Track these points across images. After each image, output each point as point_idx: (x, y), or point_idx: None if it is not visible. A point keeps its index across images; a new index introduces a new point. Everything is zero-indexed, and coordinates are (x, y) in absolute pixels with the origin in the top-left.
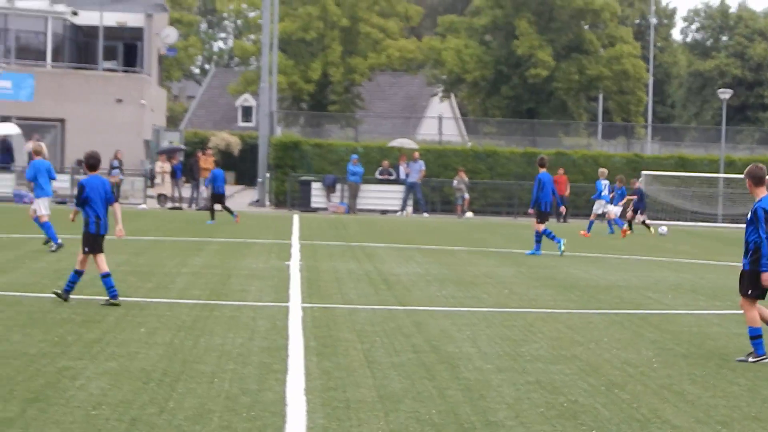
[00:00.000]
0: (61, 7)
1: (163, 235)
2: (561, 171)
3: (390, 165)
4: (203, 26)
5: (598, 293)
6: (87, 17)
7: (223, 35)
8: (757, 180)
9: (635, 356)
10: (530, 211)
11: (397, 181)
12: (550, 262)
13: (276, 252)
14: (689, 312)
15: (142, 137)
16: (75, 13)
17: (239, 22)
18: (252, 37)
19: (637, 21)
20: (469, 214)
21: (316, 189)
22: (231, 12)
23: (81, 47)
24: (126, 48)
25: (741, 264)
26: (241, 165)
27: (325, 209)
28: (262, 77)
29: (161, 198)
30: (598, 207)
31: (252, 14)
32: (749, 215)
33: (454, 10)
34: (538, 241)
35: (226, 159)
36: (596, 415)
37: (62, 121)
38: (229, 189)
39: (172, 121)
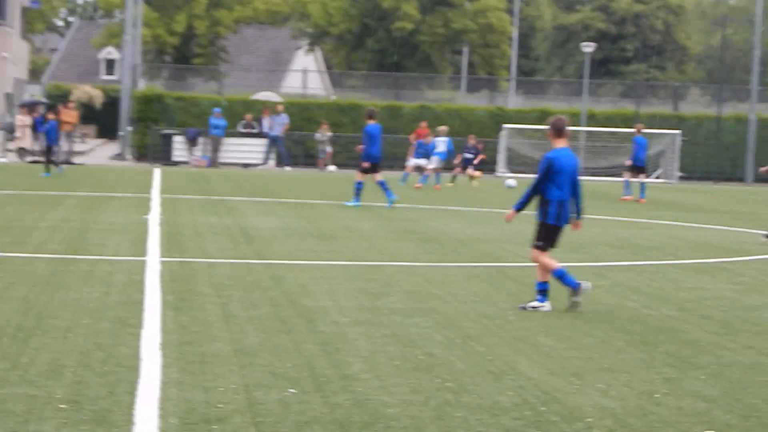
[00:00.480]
0: None
1: (23, 190)
2: (423, 124)
3: (253, 118)
4: None
5: (458, 246)
6: None
7: None
8: (557, 131)
9: (492, 309)
10: (364, 164)
11: (260, 135)
12: (410, 215)
13: (135, 206)
14: None
15: (3, 90)
16: None
17: None
18: None
19: None
20: (332, 167)
21: (178, 142)
22: None
23: None
24: None
25: (598, 217)
26: (103, 118)
27: (186, 163)
28: (126, 30)
29: (21, 151)
30: (432, 162)
31: None
32: None
33: None
34: (358, 193)
35: (88, 112)
36: (451, 367)
37: None
38: (91, 142)
39: (35, 75)
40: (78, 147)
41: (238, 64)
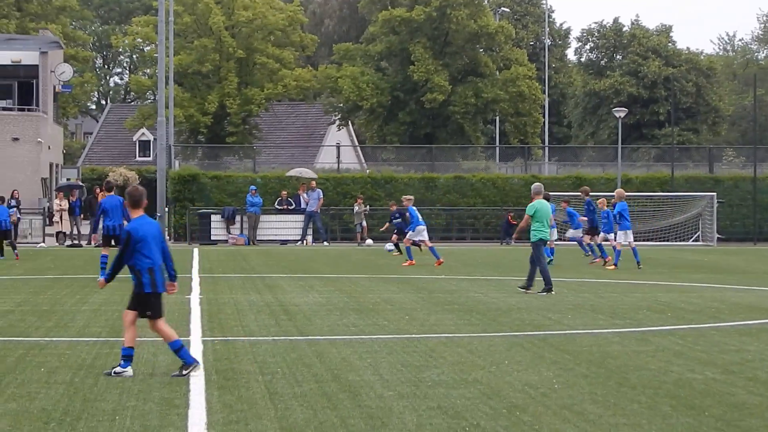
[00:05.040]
0: None
1: (63, 273)
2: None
3: (289, 195)
4: (99, 62)
5: (499, 316)
6: None
7: (118, 70)
8: (133, 202)
9: (536, 378)
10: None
11: (296, 211)
12: (451, 287)
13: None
14: (589, 331)
15: (40, 175)
16: None
17: (135, 56)
18: (147, 71)
19: (532, 42)
20: (369, 241)
21: (216, 221)
22: (126, 47)
23: None
24: (21, 86)
25: (639, 282)
26: None
27: (225, 241)
28: (159, 111)
29: (60, 236)
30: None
31: (147, 48)
32: None
33: (349, 38)
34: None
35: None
36: None
37: None
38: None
39: (70, 158)
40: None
41: (272, 142)
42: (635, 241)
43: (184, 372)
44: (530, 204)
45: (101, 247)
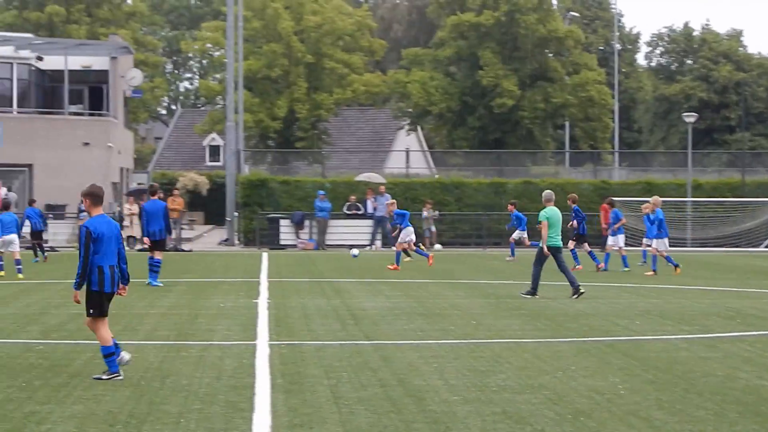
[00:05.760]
0: (26, 53)
1: (132, 277)
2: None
3: (357, 200)
4: (169, 67)
5: (567, 321)
6: (52, 62)
7: (188, 75)
8: (94, 199)
9: (602, 383)
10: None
11: (365, 216)
12: (516, 291)
13: (244, 290)
14: (657, 337)
15: (110, 180)
16: (40, 58)
17: (204, 61)
18: (217, 76)
19: (602, 47)
20: (438, 246)
21: (285, 226)
22: (196, 52)
23: (47, 92)
24: (92, 91)
25: (709, 288)
26: (209, 204)
27: (294, 246)
28: (228, 116)
29: (130, 240)
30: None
31: (217, 53)
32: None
33: (418, 43)
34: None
35: (195, 199)
36: None
37: (30, 166)
38: (199, 229)
39: (140, 163)
40: (186, 234)
41: (341, 146)
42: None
43: (104, 377)
44: (542, 212)
45: (149, 251)
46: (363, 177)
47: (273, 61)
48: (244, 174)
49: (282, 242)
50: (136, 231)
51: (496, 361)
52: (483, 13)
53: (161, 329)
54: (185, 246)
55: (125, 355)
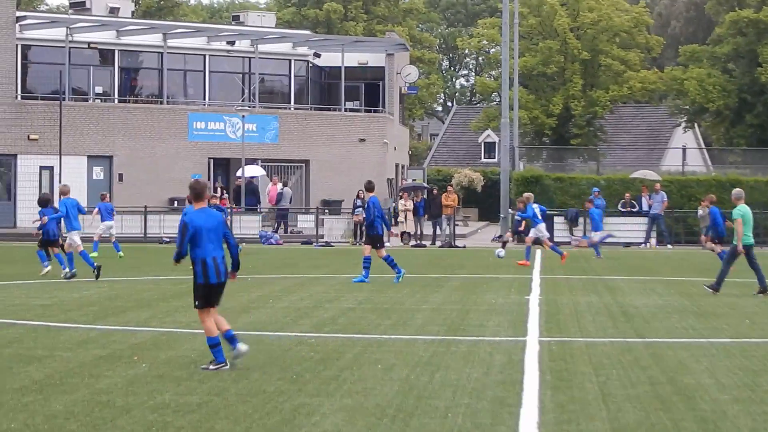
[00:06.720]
0: (303, 50)
1: (406, 273)
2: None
3: (632, 197)
4: (444, 64)
5: None
6: (329, 59)
7: (464, 72)
8: (195, 195)
9: None
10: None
11: (640, 213)
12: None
13: (516, 287)
14: None
15: (385, 176)
16: (317, 55)
17: (480, 58)
18: (493, 73)
19: None
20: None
21: (559, 223)
22: (472, 49)
23: (323, 88)
24: (368, 88)
25: None
26: (484, 201)
27: (568, 243)
28: (503, 113)
29: (404, 236)
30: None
31: (492, 50)
32: None
33: (695, 40)
34: (367, 267)
35: (469, 195)
36: None
37: (306, 162)
38: (473, 225)
39: (416, 159)
40: (460, 230)
41: (616, 143)
42: None
43: (212, 367)
44: (735, 210)
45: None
46: (638, 174)
47: (549, 57)
48: (519, 171)
49: (556, 239)
50: (410, 227)
51: None
52: (762, 10)
53: (432, 324)
54: (459, 242)
55: (242, 347)
